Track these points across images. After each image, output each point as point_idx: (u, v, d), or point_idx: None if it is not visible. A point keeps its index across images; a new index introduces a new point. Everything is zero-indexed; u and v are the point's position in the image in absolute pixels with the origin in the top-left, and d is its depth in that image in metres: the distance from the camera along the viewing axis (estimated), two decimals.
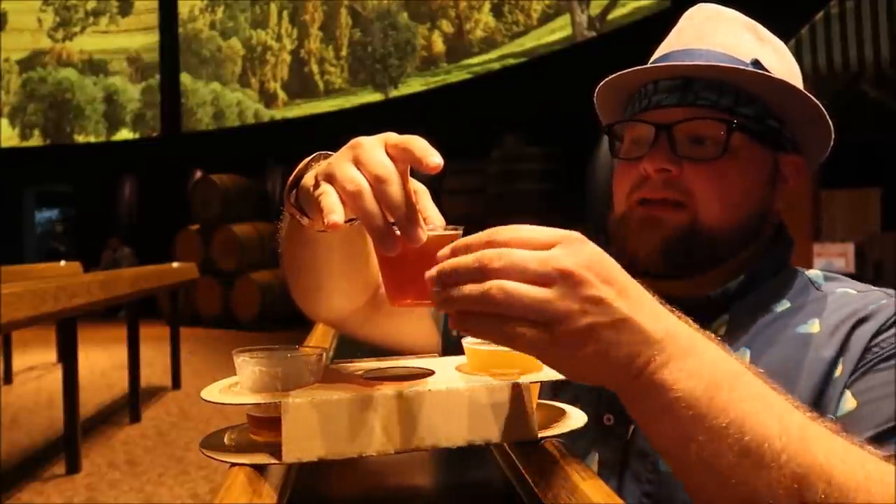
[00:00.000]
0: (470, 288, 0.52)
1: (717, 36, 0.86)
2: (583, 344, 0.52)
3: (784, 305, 0.82)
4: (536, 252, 0.52)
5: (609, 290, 0.52)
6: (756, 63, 0.83)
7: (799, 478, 0.52)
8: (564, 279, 0.51)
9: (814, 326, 0.78)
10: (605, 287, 0.52)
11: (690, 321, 0.58)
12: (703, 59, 0.83)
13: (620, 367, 0.53)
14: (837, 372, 0.73)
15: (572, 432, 0.67)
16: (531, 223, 0.55)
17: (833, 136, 0.85)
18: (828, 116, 0.82)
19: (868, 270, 4.18)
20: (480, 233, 0.54)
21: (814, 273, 0.87)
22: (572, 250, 0.52)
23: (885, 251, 4.33)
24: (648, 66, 0.85)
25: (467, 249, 0.54)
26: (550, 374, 0.70)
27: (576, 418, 0.69)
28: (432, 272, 0.55)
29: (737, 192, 0.81)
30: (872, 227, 4.63)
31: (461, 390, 0.62)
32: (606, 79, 0.89)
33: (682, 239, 0.81)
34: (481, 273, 0.52)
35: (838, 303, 0.80)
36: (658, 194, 0.81)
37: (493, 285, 0.51)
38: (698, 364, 0.54)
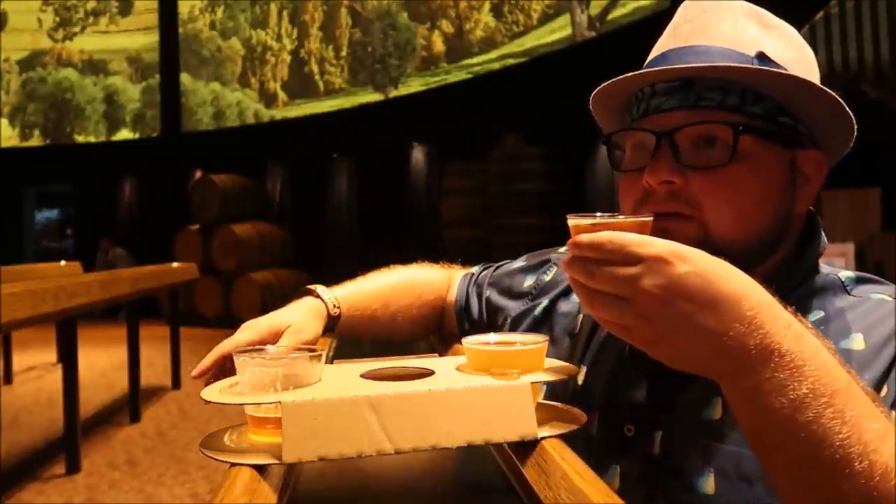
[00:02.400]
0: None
1: (717, 28, 0.79)
2: (666, 343, 0.58)
3: (817, 315, 0.77)
4: (622, 270, 0.58)
5: (689, 306, 0.56)
6: (761, 56, 0.76)
7: (873, 500, 0.54)
8: (647, 297, 0.57)
9: (857, 343, 0.72)
10: (686, 303, 0.56)
11: (807, 329, 0.59)
12: (703, 56, 0.77)
13: (704, 368, 0.59)
14: (883, 392, 0.69)
15: (587, 442, 0.67)
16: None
17: (855, 127, 0.77)
18: (846, 106, 0.75)
19: (868, 271, 4.16)
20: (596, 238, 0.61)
21: (844, 274, 0.81)
22: (655, 272, 0.57)
23: (885, 251, 4.33)
24: (643, 70, 0.78)
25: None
26: (550, 374, 0.70)
27: (576, 418, 0.69)
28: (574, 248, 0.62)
29: (749, 200, 0.75)
30: (872, 227, 4.63)
31: (461, 390, 0.62)
32: (599, 87, 0.83)
33: None
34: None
35: (879, 314, 0.74)
36: (664, 207, 0.75)
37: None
38: (787, 379, 0.56)
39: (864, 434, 0.55)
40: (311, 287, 0.98)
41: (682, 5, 0.84)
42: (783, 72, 0.74)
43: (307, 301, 0.96)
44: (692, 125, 0.75)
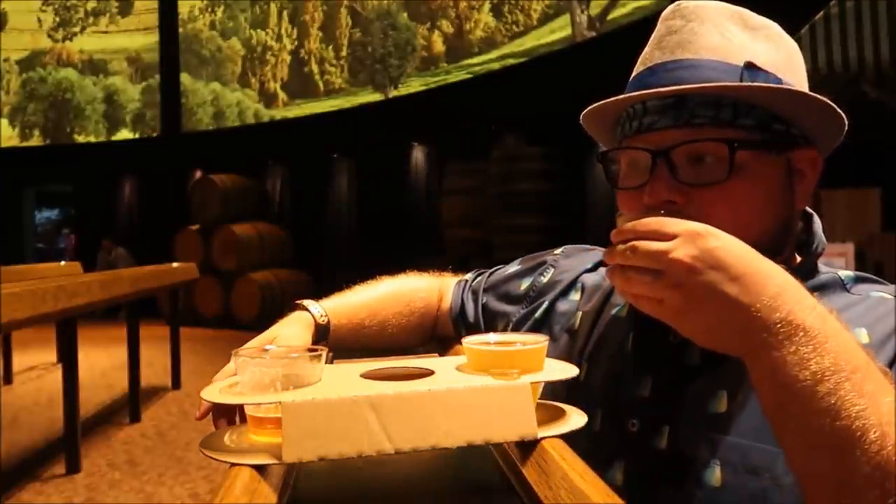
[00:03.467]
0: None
1: (702, 38, 0.78)
2: (695, 314, 0.61)
3: None
4: (658, 244, 0.61)
5: (718, 276, 0.59)
6: (749, 66, 0.76)
7: (885, 468, 0.56)
8: (676, 271, 0.60)
9: (862, 336, 0.73)
10: (715, 273, 0.59)
11: (831, 313, 0.62)
12: (692, 70, 0.77)
13: (730, 342, 0.61)
14: None
15: (589, 439, 0.67)
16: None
17: (846, 123, 0.77)
18: (836, 106, 0.75)
19: (868, 271, 4.16)
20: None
21: (844, 274, 0.82)
22: (688, 244, 0.61)
23: (885, 251, 4.33)
24: (635, 94, 0.78)
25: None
26: (550, 374, 0.70)
27: (576, 418, 0.69)
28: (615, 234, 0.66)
29: (750, 211, 0.76)
30: (872, 227, 4.62)
31: (461, 390, 0.62)
32: (588, 108, 0.83)
33: None
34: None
35: (880, 311, 0.76)
36: None
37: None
38: (810, 354, 0.58)
39: (879, 407, 0.57)
40: (299, 301, 1.00)
41: (663, 15, 0.83)
42: (774, 86, 0.75)
43: (295, 314, 0.98)
44: (688, 143, 0.75)
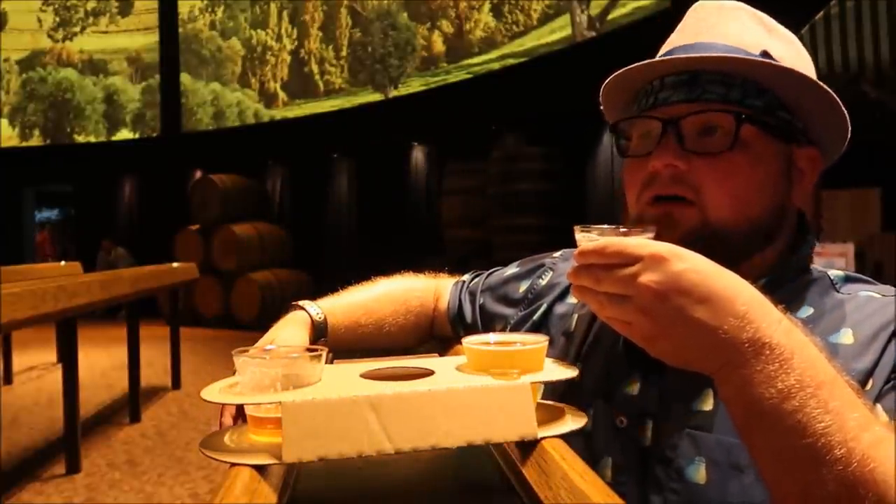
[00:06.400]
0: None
1: (723, 27, 0.83)
2: (663, 338, 0.61)
3: (807, 311, 0.79)
4: (623, 271, 0.61)
5: (685, 301, 0.59)
6: (765, 54, 0.80)
7: (850, 485, 0.56)
8: (643, 294, 0.60)
9: (846, 337, 0.75)
10: (681, 298, 0.59)
11: (796, 325, 0.62)
12: (709, 51, 0.80)
13: (699, 362, 0.61)
14: (868, 385, 0.70)
15: (582, 436, 0.67)
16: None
17: (849, 127, 0.81)
18: (841, 104, 0.78)
19: (868, 271, 4.17)
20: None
21: (834, 273, 0.83)
22: (653, 269, 0.60)
23: (885, 251, 4.33)
24: (652, 60, 0.82)
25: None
26: (550, 374, 0.70)
27: (576, 418, 0.69)
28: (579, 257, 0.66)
29: (747, 186, 0.78)
30: (872, 227, 4.63)
31: (461, 390, 0.62)
32: (611, 76, 0.87)
33: (697, 239, 0.77)
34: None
35: (867, 310, 0.76)
36: (668, 190, 0.79)
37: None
38: (776, 371, 0.58)
39: (845, 423, 0.57)
40: (295, 302, 1.01)
41: (692, 7, 0.89)
42: (785, 66, 0.79)
43: (291, 315, 0.99)
44: (696, 114, 0.79)
